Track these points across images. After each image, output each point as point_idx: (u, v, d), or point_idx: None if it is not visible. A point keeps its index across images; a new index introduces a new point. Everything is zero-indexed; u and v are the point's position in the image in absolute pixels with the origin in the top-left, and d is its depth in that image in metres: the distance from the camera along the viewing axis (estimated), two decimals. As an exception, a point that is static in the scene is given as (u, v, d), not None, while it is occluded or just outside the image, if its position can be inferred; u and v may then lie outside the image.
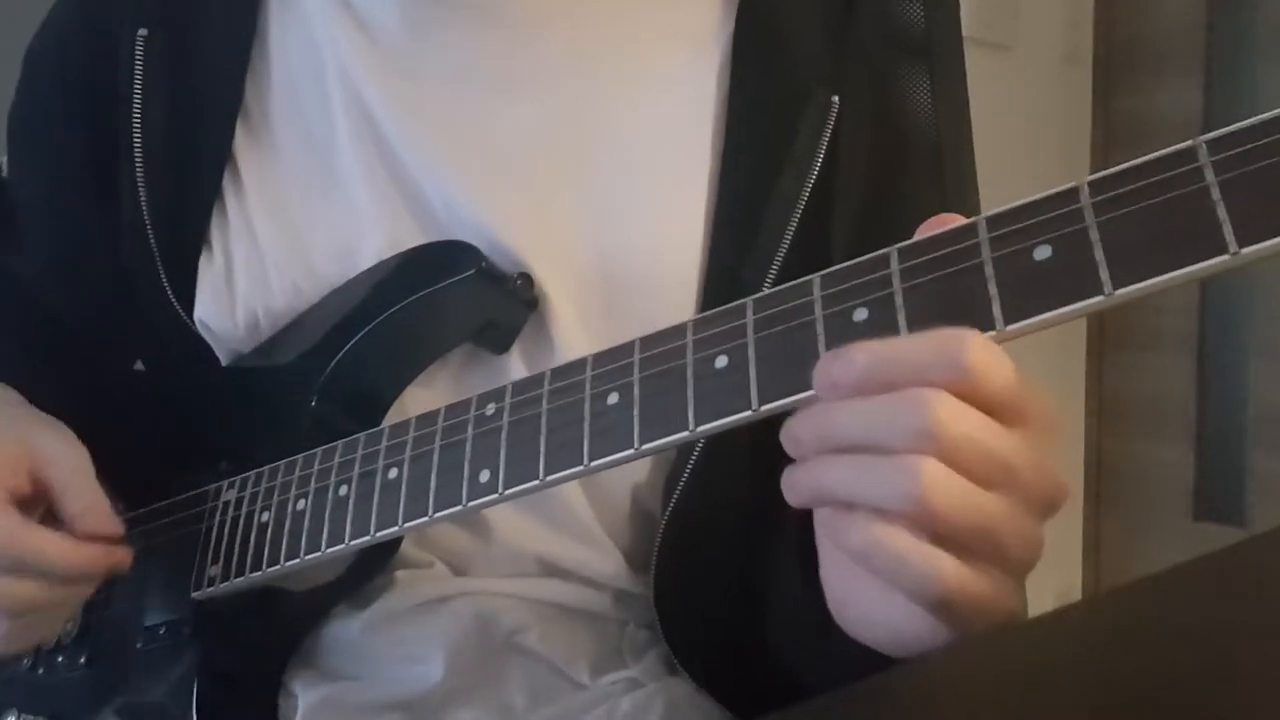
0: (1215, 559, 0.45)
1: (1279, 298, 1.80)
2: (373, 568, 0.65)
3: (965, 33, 0.70)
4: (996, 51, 1.81)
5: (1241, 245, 0.39)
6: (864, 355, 0.41)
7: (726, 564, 0.66)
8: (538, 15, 0.66)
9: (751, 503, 0.66)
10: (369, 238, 0.66)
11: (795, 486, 0.43)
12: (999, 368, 0.41)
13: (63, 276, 0.78)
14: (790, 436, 0.43)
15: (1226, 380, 1.89)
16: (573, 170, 0.65)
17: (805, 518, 0.45)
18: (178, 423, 0.73)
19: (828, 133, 0.63)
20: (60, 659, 0.71)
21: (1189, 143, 0.41)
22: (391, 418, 0.64)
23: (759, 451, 0.63)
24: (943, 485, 0.39)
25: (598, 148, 0.65)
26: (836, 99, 0.63)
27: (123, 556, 0.64)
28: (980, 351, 0.40)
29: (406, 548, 0.67)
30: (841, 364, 0.41)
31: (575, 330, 0.64)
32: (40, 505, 0.64)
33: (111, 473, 0.73)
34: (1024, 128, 1.80)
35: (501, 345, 0.65)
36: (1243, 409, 1.86)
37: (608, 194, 0.64)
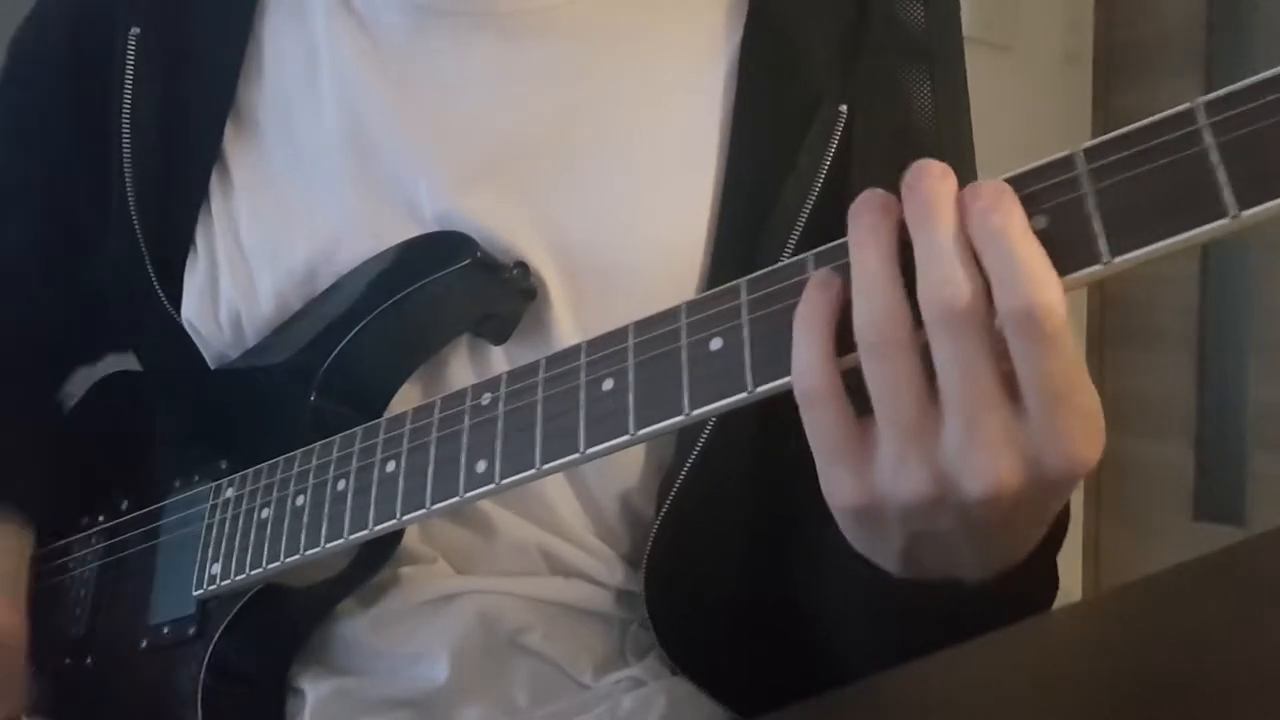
0: (1215, 559, 0.46)
1: (1279, 298, 1.80)
2: (376, 562, 0.65)
3: (965, 33, 0.70)
4: (996, 51, 1.81)
5: (1242, 208, 0.38)
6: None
7: (722, 564, 0.66)
8: (543, 21, 0.66)
9: (752, 502, 0.66)
10: (352, 242, 0.65)
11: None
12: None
13: (47, 268, 0.77)
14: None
15: (1226, 380, 1.89)
16: (571, 176, 0.64)
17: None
18: (176, 422, 0.73)
19: (834, 144, 0.63)
20: (66, 660, 0.72)
21: (1187, 105, 0.40)
22: (393, 411, 0.64)
23: (761, 447, 0.64)
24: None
25: (597, 154, 0.65)
26: (844, 109, 0.63)
27: None
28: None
29: (410, 542, 0.67)
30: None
31: (573, 334, 0.63)
32: None
33: (109, 473, 0.74)
34: (1024, 128, 1.80)
35: (501, 336, 0.64)
36: (1243, 409, 1.86)
37: (607, 201, 0.64)
